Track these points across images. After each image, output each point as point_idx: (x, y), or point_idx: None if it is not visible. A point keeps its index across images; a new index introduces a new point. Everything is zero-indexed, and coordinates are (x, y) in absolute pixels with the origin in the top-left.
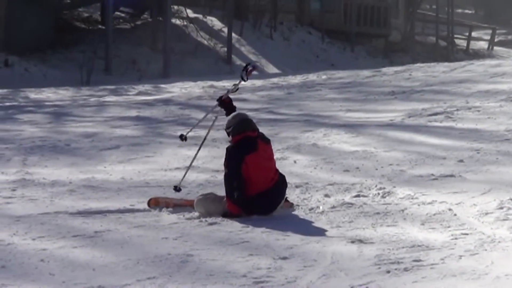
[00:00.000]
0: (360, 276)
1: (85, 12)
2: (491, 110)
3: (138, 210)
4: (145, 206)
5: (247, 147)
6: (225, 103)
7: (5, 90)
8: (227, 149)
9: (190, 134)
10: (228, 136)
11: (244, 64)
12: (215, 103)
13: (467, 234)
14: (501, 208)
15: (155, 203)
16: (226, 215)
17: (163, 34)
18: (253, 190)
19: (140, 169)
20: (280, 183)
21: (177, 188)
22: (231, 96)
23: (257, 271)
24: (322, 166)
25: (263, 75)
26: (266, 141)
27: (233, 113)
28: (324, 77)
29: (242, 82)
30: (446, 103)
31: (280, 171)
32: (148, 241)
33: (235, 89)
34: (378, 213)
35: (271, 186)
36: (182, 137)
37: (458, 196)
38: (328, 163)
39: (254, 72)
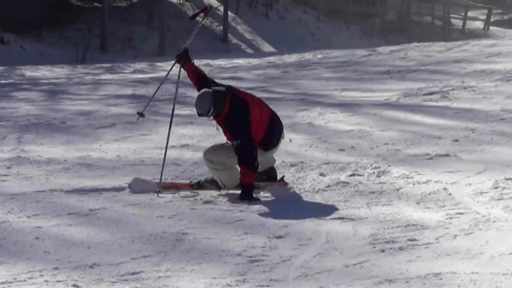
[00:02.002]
0: (355, 255)
1: None
2: (487, 89)
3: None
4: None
5: (241, 106)
6: (183, 55)
7: (0, 68)
8: (232, 121)
9: (183, 112)
10: (210, 117)
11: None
12: (166, 69)
13: (462, 213)
14: (496, 187)
15: (163, 187)
16: (247, 191)
17: (159, 12)
18: (262, 132)
19: (135, 147)
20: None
21: (140, 114)
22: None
23: (252, 250)
24: (317, 145)
25: (259, 53)
26: (236, 90)
27: (198, 96)
28: (319, 56)
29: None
30: (441, 83)
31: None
32: (143, 220)
33: (192, 36)
34: (373, 192)
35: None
36: (139, 114)
37: (453, 175)
38: (323, 142)
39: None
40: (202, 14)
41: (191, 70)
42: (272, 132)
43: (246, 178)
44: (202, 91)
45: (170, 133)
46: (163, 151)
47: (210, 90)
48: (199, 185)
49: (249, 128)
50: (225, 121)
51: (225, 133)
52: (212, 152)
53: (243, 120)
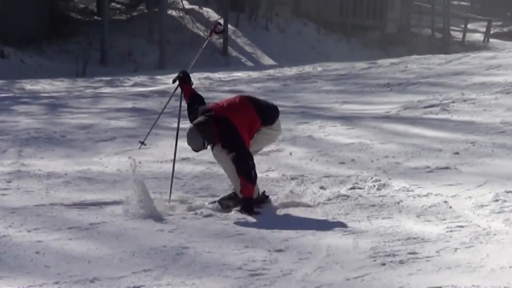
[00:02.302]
0: (356, 268)
1: (81, 3)
2: (487, 102)
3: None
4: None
5: (225, 123)
6: (184, 78)
7: (0, 81)
8: (223, 139)
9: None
10: (210, 146)
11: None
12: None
13: (462, 226)
14: (497, 200)
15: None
16: (248, 204)
17: (159, 26)
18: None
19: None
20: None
21: (142, 143)
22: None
23: (252, 264)
24: (317, 158)
25: (259, 66)
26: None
27: (187, 137)
28: (319, 69)
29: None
30: (441, 95)
31: (276, 163)
32: (144, 233)
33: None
34: (373, 205)
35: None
36: (141, 143)
37: (454, 188)
38: (323, 155)
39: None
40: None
41: (187, 94)
42: (263, 112)
43: (246, 191)
44: (188, 130)
45: (174, 148)
46: (164, 165)
47: (192, 126)
48: (217, 203)
49: (239, 139)
50: (219, 140)
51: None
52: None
53: (231, 133)
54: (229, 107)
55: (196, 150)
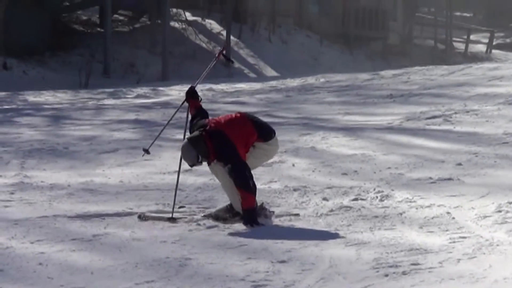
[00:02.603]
0: (359, 279)
1: (83, 15)
2: (489, 113)
3: (137, 214)
4: (144, 209)
5: (220, 136)
6: (191, 93)
7: (3, 93)
8: (219, 153)
9: None
10: (205, 161)
11: (242, 68)
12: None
13: (465, 237)
14: (499, 211)
15: (145, 218)
16: (250, 215)
17: (162, 37)
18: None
19: (138, 173)
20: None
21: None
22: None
23: (255, 275)
24: (320, 169)
25: (261, 77)
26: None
27: (181, 152)
28: (322, 80)
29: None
30: (444, 106)
31: (278, 175)
32: (146, 245)
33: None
34: (376, 216)
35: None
36: (145, 151)
37: (456, 199)
38: (326, 167)
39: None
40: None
41: (193, 108)
42: (260, 128)
43: (247, 202)
44: (181, 146)
45: (179, 161)
46: (166, 176)
47: (186, 141)
48: (212, 217)
49: (234, 151)
50: (215, 157)
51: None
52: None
53: (225, 146)
54: (225, 121)
55: (191, 165)
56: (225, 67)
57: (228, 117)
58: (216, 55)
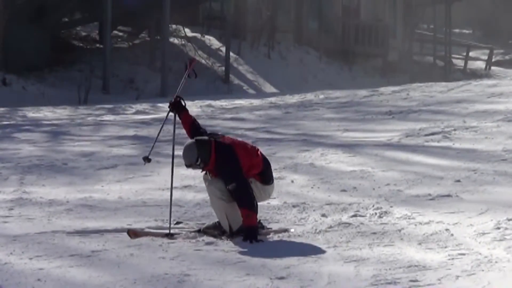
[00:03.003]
0: None
1: (83, 31)
2: (488, 130)
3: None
4: (142, 225)
5: (228, 150)
6: (176, 105)
7: (2, 109)
8: (222, 166)
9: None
10: (200, 167)
11: (241, 85)
12: (167, 110)
13: (464, 254)
14: (498, 228)
15: (134, 235)
16: (252, 233)
17: (161, 53)
18: (257, 170)
19: (137, 189)
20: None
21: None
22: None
23: None
24: (319, 185)
25: (261, 94)
26: (218, 136)
27: (183, 149)
28: (321, 96)
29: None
30: (443, 123)
31: (277, 191)
32: (145, 261)
33: (181, 87)
34: (375, 233)
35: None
36: (145, 159)
37: (455, 216)
38: (325, 183)
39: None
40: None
41: (185, 121)
42: (267, 169)
43: (249, 220)
44: (186, 143)
45: (173, 175)
46: (165, 193)
47: (193, 140)
48: (201, 232)
49: (240, 170)
50: (215, 169)
51: None
52: (220, 181)
53: (232, 163)
54: (239, 143)
55: (188, 165)
56: (224, 84)
57: (244, 142)
58: (188, 65)
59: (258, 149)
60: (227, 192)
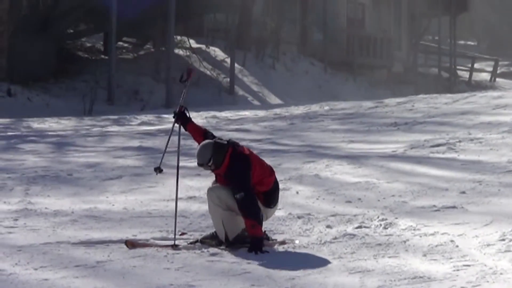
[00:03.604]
0: None
1: (88, 42)
2: (494, 141)
3: (141, 240)
4: (148, 236)
5: (243, 160)
6: (180, 115)
7: (7, 120)
8: (233, 173)
9: (190, 164)
10: (211, 169)
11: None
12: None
13: (469, 265)
14: (503, 239)
15: (132, 245)
16: (257, 243)
17: (166, 64)
18: (265, 189)
19: (142, 199)
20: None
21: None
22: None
23: None
24: (324, 197)
25: (266, 105)
26: (238, 144)
27: (199, 147)
28: (326, 108)
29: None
30: (448, 135)
31: (282, 202)
32: (150, 272)
33: (183, 97)
34: (380, 244)
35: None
36: (157, 170)
37: (460, 227)
38: (330, 194)
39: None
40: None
41: (192, 130)
42: (274, 192)
43: (255, 231)
44: (204, 141)
45: (178, 186)
46: (170, 203)
47: (212, 141)
48: (199, 242)
49: (249, 182)
50: (225, 175)
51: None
52: (221, 189)
53: (244, 173)
54: (257, 158)
55: (199, 163)
56: (229, 95)
57: (261, 160)
58: (188, 75)
59: (273, 171)
60: (225, 201)
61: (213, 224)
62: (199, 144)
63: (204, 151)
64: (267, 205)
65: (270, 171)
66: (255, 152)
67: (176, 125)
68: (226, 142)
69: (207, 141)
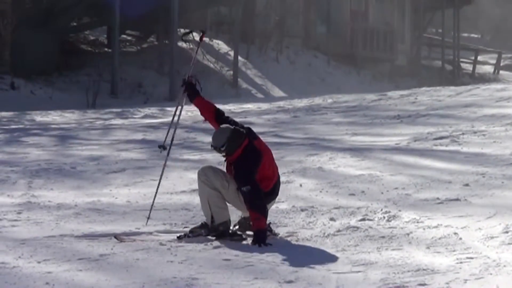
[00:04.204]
0: None
1: (91, 35)
2: (497, 134)
3: (144, 233)
4: (151, 229)
5: (255, 155)
6: (189, 85)
7: (11, 113)
8: (242, 165)
9: (194, 157)
10: (222, 154)
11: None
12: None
13: (472, 258)
14: (506, 232)
15: (121, 240)
16: (262, 236)
17: (169, 57)
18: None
19: (145, 192)
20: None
21: (162, 147)
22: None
23: None
24: (327, 189)
25: (269, 98)
26: (255, 136)
27: (218, 129)
28: (329, 100)
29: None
30: (451, 127)
31: (286, 195)
32: (153, 265)
33: (193, 62)
34: (383, 237)
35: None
36: (161, 147)
37: (464, 220)
38: (333, 187)
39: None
40: (194, 36)
41: (200, 104)
42: (270, 195)
43: (259, 223)
44: (224, 125)
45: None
46: (174, 196)
47: (232, 127)
48: (190, 232)
49: (255, 176)
50: (235, 164)
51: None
52: (210, 169)
53: (252, 168)
54: (269, 156)
55: (213, 146)
56: (232, 88)
57: (272, 159)
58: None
59: (276, 173)
60: (212, 179)
61: (200, 205)
62: (206, 119)
63: (220, 136)
64: (271, 194)
65: (273, 173)
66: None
67: (183, 99)
68: (244, 132)
69: (227, 126)
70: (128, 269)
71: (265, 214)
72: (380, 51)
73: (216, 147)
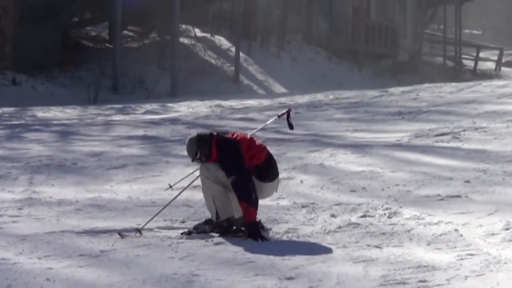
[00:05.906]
0: None
1: (93, 30)
2: (498, 130)
3: (144, 230)
4: (152, 225)
5: (230, 143)
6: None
7: (12, 109)
8: (223, 158)
9: None
10: (200, 160)
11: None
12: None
13: (473, 254)
14: (507, 229)
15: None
16: (254, 228)
17: (171, 53)
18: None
19: (146, 188)
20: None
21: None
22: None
23: None
24: (328, 186)
25: (270, 94)
26: (223, 133)
27: (187, 143)
28: (331, 97)
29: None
30: (453, 124)
31: (287, 191)
32: (154, 261)
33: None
34: (384, 233)
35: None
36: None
37: (464, 216)
38: (334, 183)
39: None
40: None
41: None
42: (267, 165)
43: (249, 215)
44: (189, 136)
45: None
46: (175, 193)
47: (195, 134)
48: (193, 229)
49: (242, 162)
50: (219, 162)
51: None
52: (211, 164)
53: (234, 154)
54: (243, 137)
55: (192, 159)
56: (234, 84)
57: (250, 138)
58: (280, 114)
59: (265, 148)
60: (215, 173)
61: (205, 201)
62: None
63: (190, 146)
64: (262, 179)
65: (261, 147)
66: (259, 140)
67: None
68: (208, 133)
69: (191, 135)
70: (128, 265)
71: (254, 204)
72: (382, 47)
73: (193, 158)
